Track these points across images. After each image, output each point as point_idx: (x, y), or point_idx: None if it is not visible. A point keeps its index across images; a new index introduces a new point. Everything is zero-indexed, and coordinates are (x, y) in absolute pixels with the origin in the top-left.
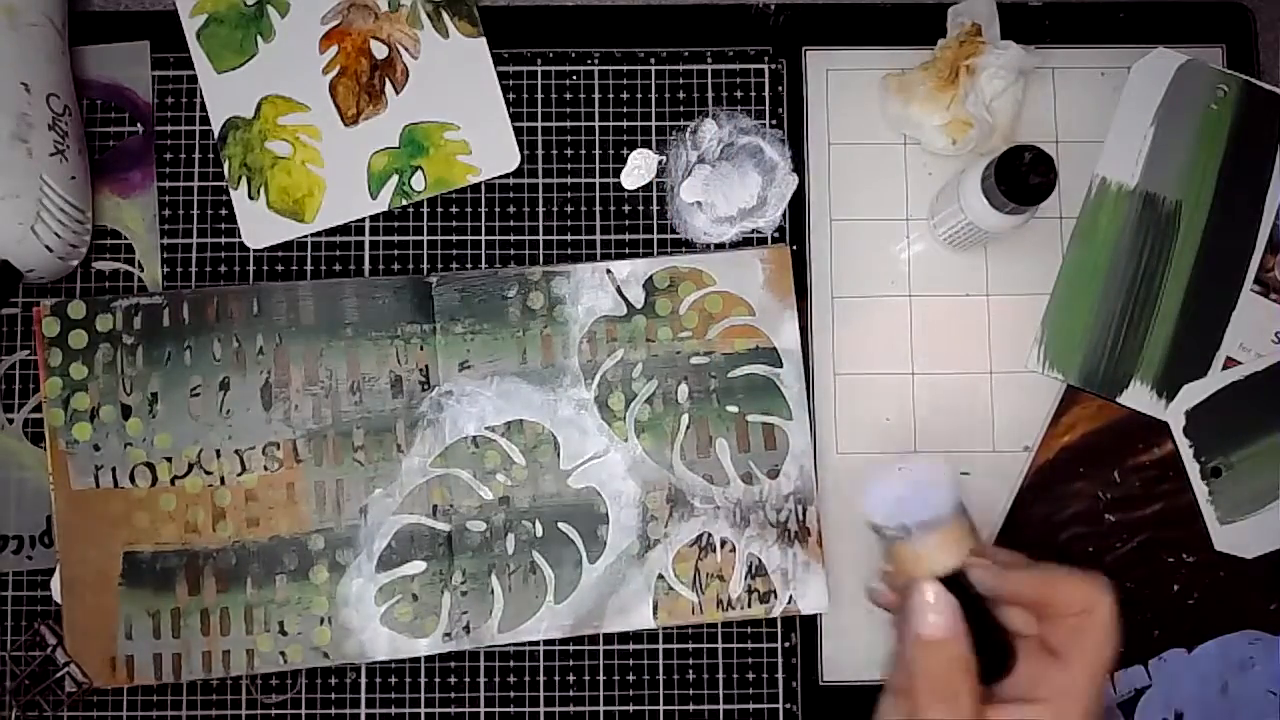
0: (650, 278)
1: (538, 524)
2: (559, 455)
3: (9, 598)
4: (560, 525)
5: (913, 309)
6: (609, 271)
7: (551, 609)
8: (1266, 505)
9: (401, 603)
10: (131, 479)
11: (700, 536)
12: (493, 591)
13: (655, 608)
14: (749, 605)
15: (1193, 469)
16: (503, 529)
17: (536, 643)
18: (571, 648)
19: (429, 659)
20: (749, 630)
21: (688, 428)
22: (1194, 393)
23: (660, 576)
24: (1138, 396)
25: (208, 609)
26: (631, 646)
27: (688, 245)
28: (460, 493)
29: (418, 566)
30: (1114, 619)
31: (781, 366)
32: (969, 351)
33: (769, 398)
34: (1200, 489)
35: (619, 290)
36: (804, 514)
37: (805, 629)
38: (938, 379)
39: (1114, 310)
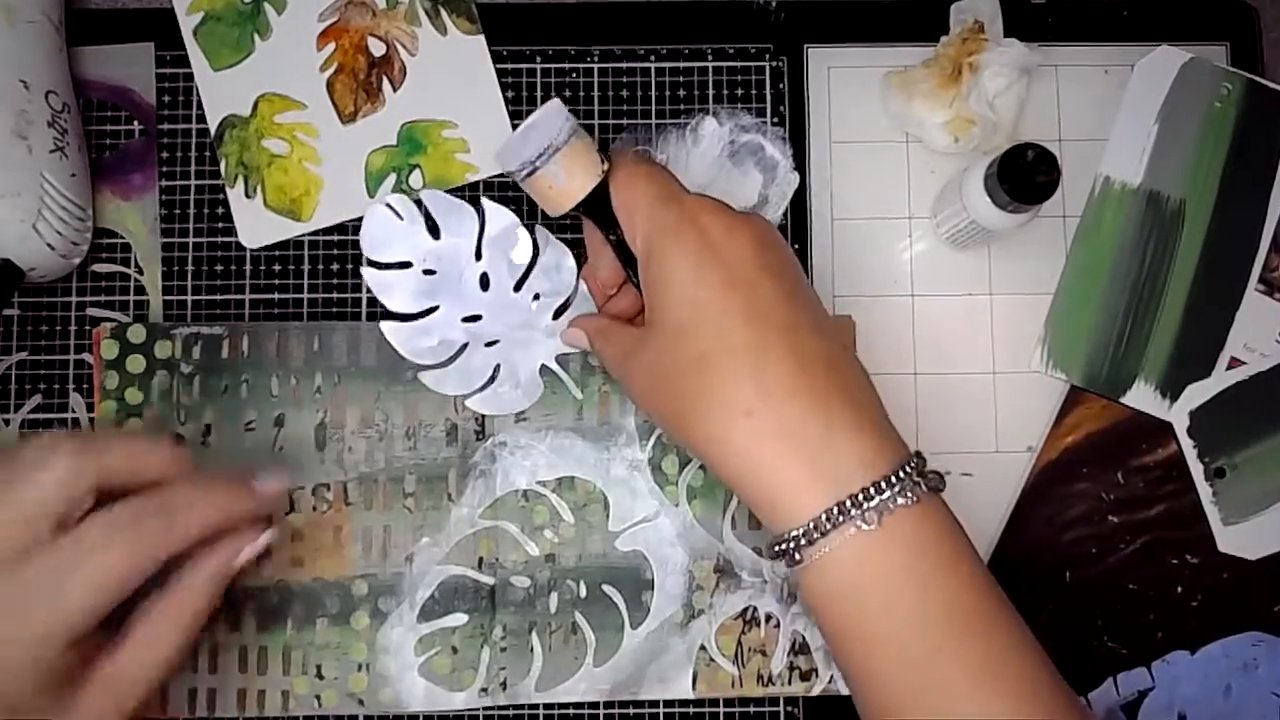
0: None
1: (582, 584)
2: (608, 515)
3: None
4: (604, 587)
5: (915, 308)
6: None
7: (590, 671)
8: (1271, 506)
9: (440, 654)
10: None
11: (746, 610)
12: (532, 649)
13: (695, 678)
14: (789, 682)
15: (1197, 470)
16: (546, 587)
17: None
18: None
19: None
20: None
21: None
22: (1198, 393)
23: (702, 647)
24: (1141, 397)
25: (246, 646)
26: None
27: None
28: (507, 547)
29: (459, 619)
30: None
31: None
32: (971, 351)
33: None
34: (1204, 490)
35: None
36: None
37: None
38: (940, 379)
39: (1118, 310)
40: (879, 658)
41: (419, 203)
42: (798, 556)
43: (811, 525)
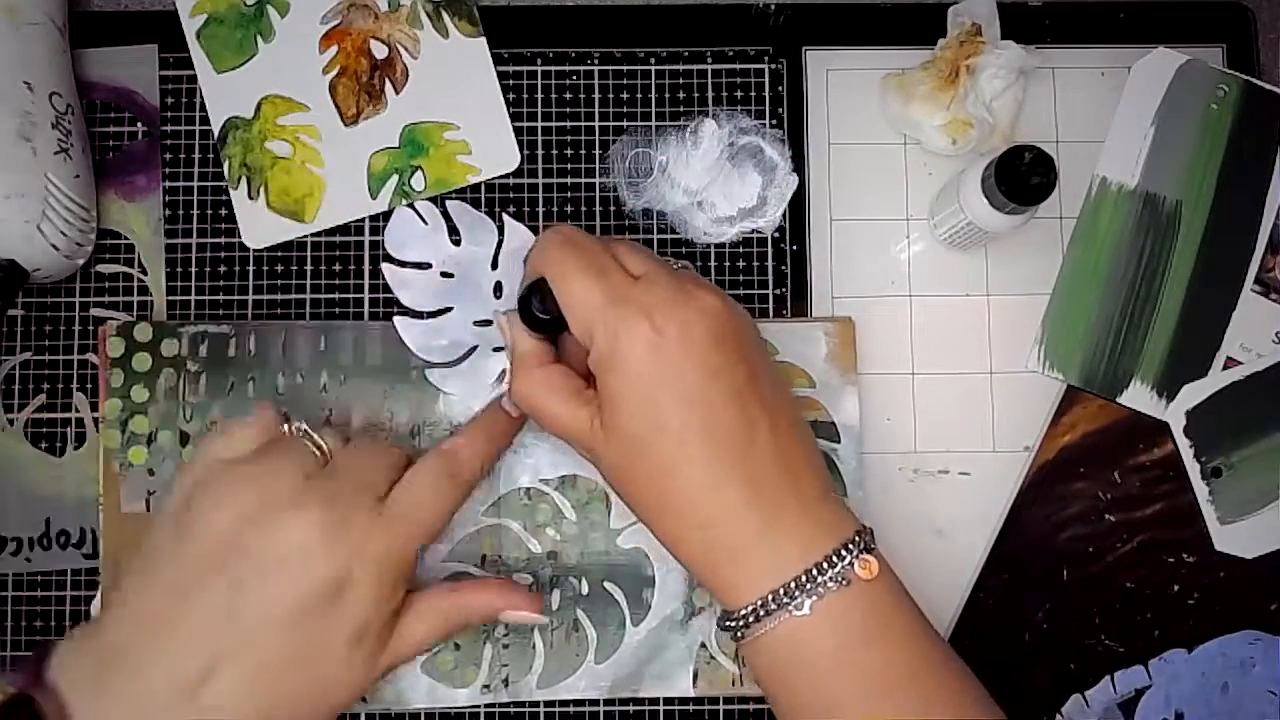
0: None
1: (584, 581)
2: (610, 513)
3: (15, 610)
4: (606, 584)
5: (913, 309)
6: None
7: (591, 668)
8: (1267, 505)
9: (444, 651)
10: None
11: None
12: (534, 646)
13: (695, 676)
14: None
15: (1193, 469)
16: (549, 584)
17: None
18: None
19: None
20: None
21: None
22: (1194, 393)
23: (703, 645)
24: (1138, 396)
25: None
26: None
27: (687, 245)
28: (510, 544)
29: None
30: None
31: (839, 442)
32: (969, 352)
33: None
34: (1200, 489)
35: None
36: None
37: None
38: (938, 379)
39: (1114, 310)
40: None
41: (444, 212)
42: (740, 635)
43: (749, 611)
